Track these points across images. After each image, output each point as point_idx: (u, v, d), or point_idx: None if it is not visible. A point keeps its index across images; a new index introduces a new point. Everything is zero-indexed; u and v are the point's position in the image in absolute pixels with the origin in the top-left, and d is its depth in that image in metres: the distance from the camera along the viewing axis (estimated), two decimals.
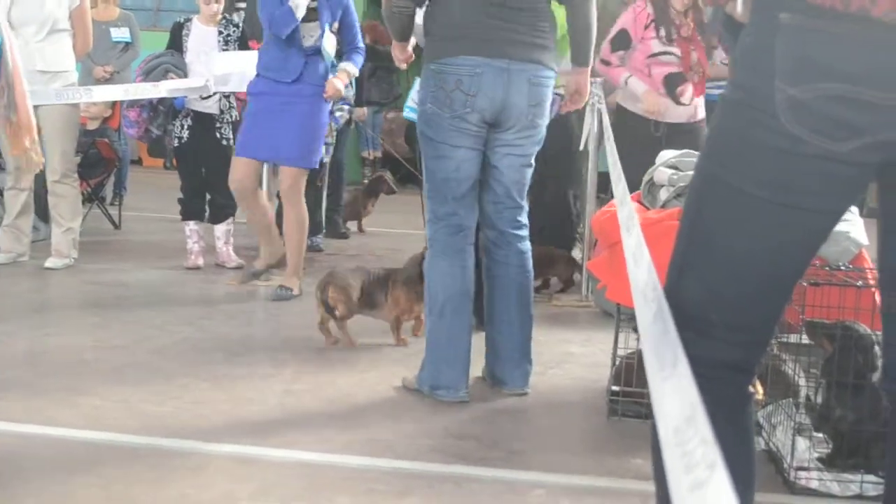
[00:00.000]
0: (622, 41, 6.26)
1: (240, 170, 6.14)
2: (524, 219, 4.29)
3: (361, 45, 6.41)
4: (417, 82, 4.59)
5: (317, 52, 6.05)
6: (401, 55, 4.42)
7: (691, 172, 4.21)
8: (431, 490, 3.17)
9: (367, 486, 3.17)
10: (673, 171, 4.43)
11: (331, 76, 6.07)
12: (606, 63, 6.29)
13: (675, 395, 1.24)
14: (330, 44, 6.08)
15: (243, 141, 6.16)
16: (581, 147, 6.41)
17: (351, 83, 7.17)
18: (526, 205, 4.31)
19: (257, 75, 6.10)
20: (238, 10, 9.36)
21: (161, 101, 6.85)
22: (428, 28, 4.11)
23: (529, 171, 4.26)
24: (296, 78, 5.99)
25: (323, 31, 6.02)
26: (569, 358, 4.92)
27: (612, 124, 5.98)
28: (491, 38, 3.98)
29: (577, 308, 6.17)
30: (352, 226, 9.04)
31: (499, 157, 4.15)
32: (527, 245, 4.29)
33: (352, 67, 6.33)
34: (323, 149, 7.95)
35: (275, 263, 6.48)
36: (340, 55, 6.24)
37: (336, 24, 6.13)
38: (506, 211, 4.23)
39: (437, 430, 3.75)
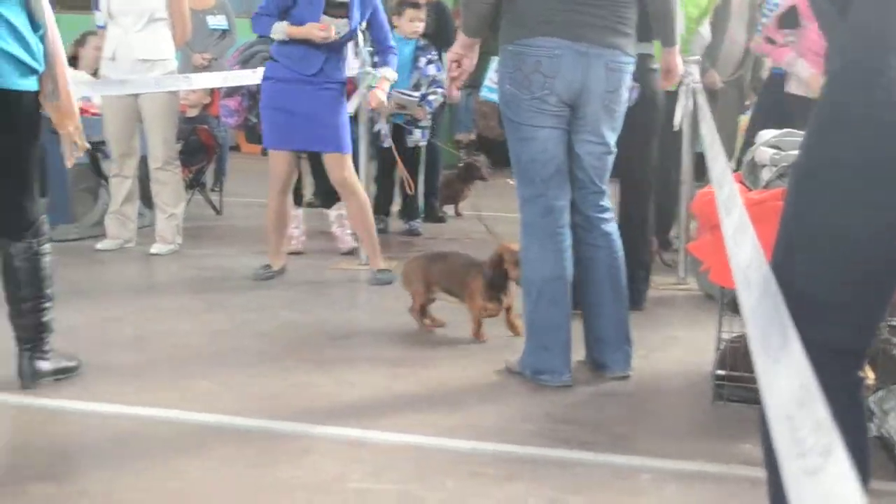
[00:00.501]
0: (791, 19, 6.12)
1: (280, 164, 6.10)
2: (607, 203, 4.27)
3: (393, 43, 6.37)
4: (494, 62, 4.54)
5: (338, 47, 6.00)
6: (463, 51, 4.20)
7: (793, 152, 4.16)
8: (537, 474, 3.18)
9: (473, 470, 3.19)
10: (775, 150, 4.35)
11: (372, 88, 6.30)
12: (771, 41, 6.20)
13: (785, 378, 1.22)
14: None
15: (274, 133, 6.07)
16: (676, 127, 6.34)
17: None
18: (608, 189, 4.28)
19: (272, 58, 6.07)
20: None
21: (259, 88, 6.93)
22: (506, 9, 4.06)
23: (610, 158, 4.22)
24: (316, 72, 5.96)
25: (353, 30, 6.01)
26: (671, 341, 4.89)
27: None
28: (571, 21, 3.95)
29: (677, 291, 6.12)
30: (449, 209, 9.06)
31: (578, 143, 4.12)
32: (613, 227, 4.26)
33: (390, 73, 6.33)
34: (418, 132, 8.02)
35: (283, 267, 6.29)
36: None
37: (364, 24, 6.10)
38: (590, 196, 4.20)
39: (541, 415, 3.76)
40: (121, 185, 7.01)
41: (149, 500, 2.92)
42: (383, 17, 6.26)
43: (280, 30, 5.92)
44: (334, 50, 5.98)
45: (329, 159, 6.09)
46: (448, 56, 4.25)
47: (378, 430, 3.54)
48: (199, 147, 8.75)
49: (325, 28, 5.85)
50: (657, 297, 5.79)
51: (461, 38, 4.21)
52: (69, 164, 3.98)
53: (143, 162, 7.13)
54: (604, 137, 4.14)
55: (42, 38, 3.68)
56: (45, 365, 3.90)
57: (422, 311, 4.95)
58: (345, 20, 5.94)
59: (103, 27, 7.00)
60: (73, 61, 8.22)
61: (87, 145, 3.94)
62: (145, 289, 5.91)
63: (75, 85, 7.18)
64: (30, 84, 3.65)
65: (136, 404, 3.77)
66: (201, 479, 3.09)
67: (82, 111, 7.69)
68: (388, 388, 4.05)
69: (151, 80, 6.74)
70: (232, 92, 7.02)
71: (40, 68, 3.67)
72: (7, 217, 3.77)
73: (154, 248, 6.85)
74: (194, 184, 8.63)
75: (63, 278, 6.03)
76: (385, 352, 4.60)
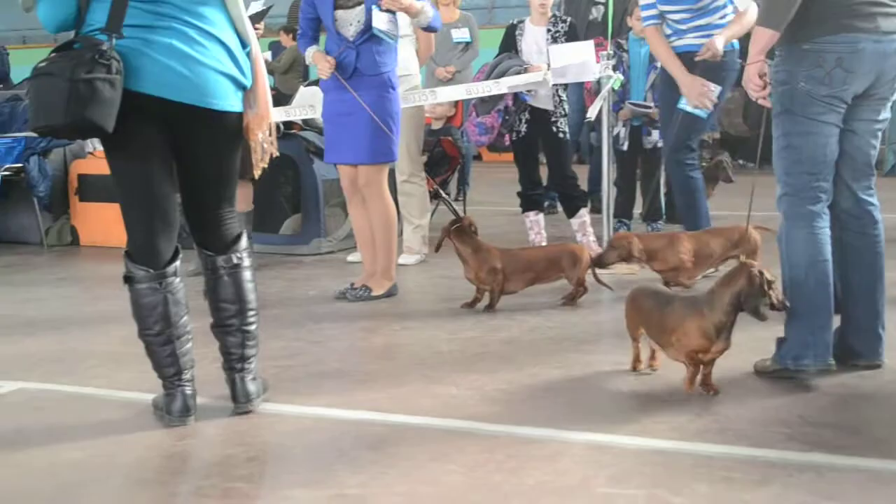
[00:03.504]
0: None
1: (341, 174, 6.14)
2: (875, 188, 4.27)
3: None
4: None
5: (369, 38, 5.79)
6: (763, 56, 4.09)
7: None
8: (791, 479, 3.10)
9: (723, 475, 3.13)
10: None
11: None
12: None
13: None
14: (383, 23, 5.76)
15: (327, 147, 6.11)
16: None
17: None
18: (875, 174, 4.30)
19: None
20: (596, 4, 9.44)
21: (515, 102, 7.00)
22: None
23: (878, 141, 4.25)
24: (351, 74, 5.82)
25: (369, 13, 5.74)
26: None
27: None
28: (864, 13, 3.97)
29: None
30: None
31: (857, 123, 4.14)
32: (880, 214, 4.25)
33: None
34: (656, 133, 7.95)
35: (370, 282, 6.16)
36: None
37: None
38: (863, 179, 4.22)
39: (793, 418, 3.66)
40: None
41: None
42: None
43: (308, 55, 6.00)
44: (361, 42, 5.81)
45: (363, 167, 5.96)
46: (750, 70, 4.12)
47: (624, 434, 3.53)
48: (444, 158, 8.92)
49: (323, 63, 5.83)
50: None
51: (762, 36, 4.06)
52: (256, 172, 3.98)
53: (391, 175, 7.33)
54: (882, 116, 4.20)
55: (248, 55, 3.80)
56: (254, 386, 3.92)
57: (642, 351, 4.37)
58: (358, 8, 5.79)
59: None
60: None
61: (276, 152, 3.99)
62: (394, 299, 6.06)
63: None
64: (241, 104, 3.77)
65: (389, 411, 3.89)
66: (453, 483, 3.15)
67: None
68: (635, 392, 4.03)
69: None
70: (490, 108, 7.08)
71: (249, 85, 3.79)
72: (216, 233, 3.85)
73: (401, 259, 7.01)
74: (439, 194, 8.81)
75: (317, 288, 6.31)
76: (630, 356, 4.56)
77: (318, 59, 5.91)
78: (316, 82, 8.97)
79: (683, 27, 6.14)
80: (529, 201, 7.24)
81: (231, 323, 3.86)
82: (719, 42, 5.99)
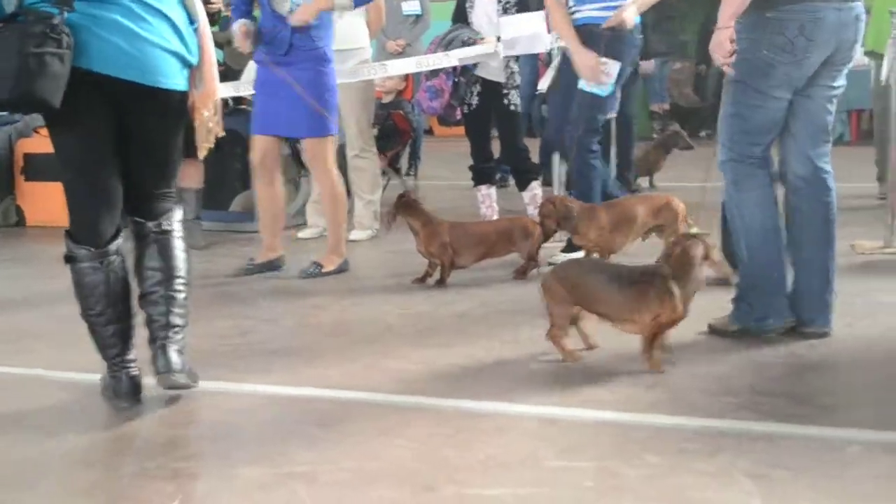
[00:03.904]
0: None
1: (259, 147, 5.99)
2: (829, 155, 4.29)
3: None
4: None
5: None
6: (733, 16, 4.04)
7: None
8: (743, 448, 3.09)
9: (677, 446, 3.12)
10: None
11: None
12: None
13: None
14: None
15: (256, 117, 6.01)
16: (883, 81, 6.11)
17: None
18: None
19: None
20: None
21: (463, 73, 6.92)
22: None
23: (834, 107, 4.26)
24: (286, 50, 5.77)
25: None
26: (879, 308, 4.70)
27: None
28: None
29: (884, 255, 5.87)
30: (643, 181, 8.93)
31: (814, 90, 4.15)
32: (833, 182, 4.25)
33: None
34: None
35: (274, 260, 6.16)
36: None
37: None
38: (821, 145, 4.24)
39: (744, 388, 3.67)
40: None
41: (352, 480, 2.97)
42: None
43: (235, 27, 5.90)
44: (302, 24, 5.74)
45: (306, 141, 5.98)
46: (721, 36, 4.06)
47: (575, 407, 3.52)
48: (395, 132, 8.87)
49: (240, 38, 5.79)
50: (863, 262, 5.57)
51: (733, 1, 4.01)
52: (201, 153, 3.88)
53: (341, 151, 7.27)
54: (839, 81, 4.21)
55: (195, 31, 3.71)
56: (178, 357, 3.65)
57: (582, 334, 4.20)
58: None
59: None
60: None
61: (222, 132, 3.91)
62: (345, 275, 6.02)
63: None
64: (186, 82, 3.68)
65: (339, 387, 3.85)
66: (402, 458, 3.13)
67: None
68: (585, 366, 4.02)
69: (347, 70, 6.82)
70: (437, 71, 6.98)
71: (195, 63, 3.70)
72: (151, 209, 3.73)
73: (353, 235, 6.98)
74: (390, 168, 8.75)
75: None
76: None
77: (240, 33, 5.84)
78: None
79: None
80: (481, 175, 7.19)
81: (155, 290, 3.68)
82: (629, 12, 5.73)
